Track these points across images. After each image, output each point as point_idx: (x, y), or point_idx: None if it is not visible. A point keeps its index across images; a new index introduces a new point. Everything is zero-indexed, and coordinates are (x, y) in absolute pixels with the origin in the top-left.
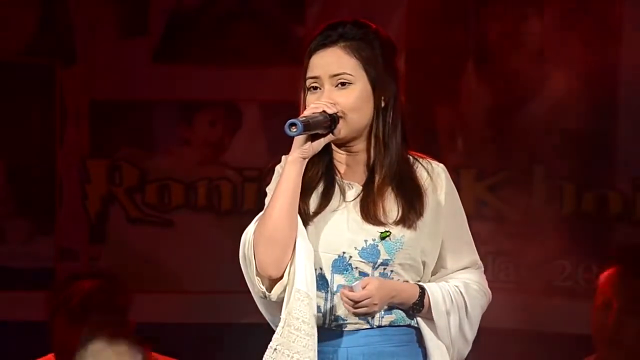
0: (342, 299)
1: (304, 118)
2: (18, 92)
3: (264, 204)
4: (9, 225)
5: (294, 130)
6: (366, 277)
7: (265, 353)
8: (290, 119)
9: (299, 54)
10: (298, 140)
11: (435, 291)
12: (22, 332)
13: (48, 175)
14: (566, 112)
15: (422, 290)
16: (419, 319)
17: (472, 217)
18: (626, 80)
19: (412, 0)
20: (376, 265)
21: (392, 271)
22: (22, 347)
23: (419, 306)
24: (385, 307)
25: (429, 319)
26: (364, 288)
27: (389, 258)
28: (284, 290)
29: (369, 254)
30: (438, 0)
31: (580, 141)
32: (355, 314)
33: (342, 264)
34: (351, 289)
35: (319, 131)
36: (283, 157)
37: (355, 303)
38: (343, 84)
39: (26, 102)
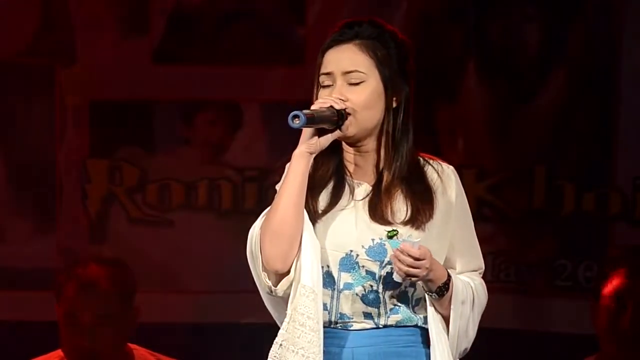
0: (396, 257)
1: (308, 111)
2: (18, 92)
3: (271, 203)
4: (9, 225)
5: (297, 122)
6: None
7: (271, 349)
8: (294, 111)
9: (299, 54)
10: (305, 134)
11: (456, 280)
12: (22, 332)
13: (48, 175)
14: (566, 112)
15: (448, 275)
16: (429, 314)
17: (473, 217)
18: (626, 80)
19: (412, 0)
20: (383, 264)
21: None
22: (22, 347)
23: (444, 289)
24: (392, 305)
25: (440, 311)
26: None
27: None
28: (290, 285)
29: (376, 252)
30: (438, 0)
31: (580, 141)
32: (408, 274)
33: (349, 262)
34: (411, 244)
35: (326, 126)
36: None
37: (415, 260)
38: (355, 81)
39: (26, 102)
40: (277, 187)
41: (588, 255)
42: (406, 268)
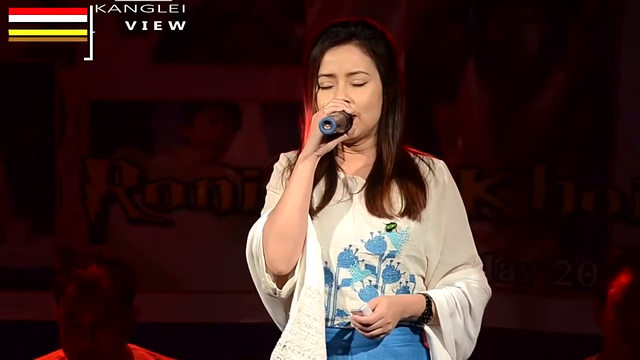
0: (354, 325)
1: (334, 117)
2: (18, 92)
3: (264, 203)
4: (9, 225)
5: (328, 128)
6: (374, 298)
7: (274, 350)
8: (324, 117)
9: (299, 54)
10: (314, 138)
11: (439, 297)
12: (22, 332)
13: (48, 175)
14: (566, 112)
15: (428, 299)
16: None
17: (472, 217)
18: (626, 80)
19: (412, 0)
20: (383, 257)
21: (398, 263)
22: (22, 347)
23: (428, 315)
24: None
25: (435, 324)
26: (373, 310)
27: (395, 250)
28: (294, 286)
29: (376, 246)
30: (438, 0)
31: (579, 141)
32: (370, 337)
33: (348, 257)
34: (360, 313)
35: (339, 130)
36: (282, 155)
37: (368, 326)
38: (359, 82)
39: (26, 102)
40: (268, 187)
41: (588, 255)
42: (368, 334)
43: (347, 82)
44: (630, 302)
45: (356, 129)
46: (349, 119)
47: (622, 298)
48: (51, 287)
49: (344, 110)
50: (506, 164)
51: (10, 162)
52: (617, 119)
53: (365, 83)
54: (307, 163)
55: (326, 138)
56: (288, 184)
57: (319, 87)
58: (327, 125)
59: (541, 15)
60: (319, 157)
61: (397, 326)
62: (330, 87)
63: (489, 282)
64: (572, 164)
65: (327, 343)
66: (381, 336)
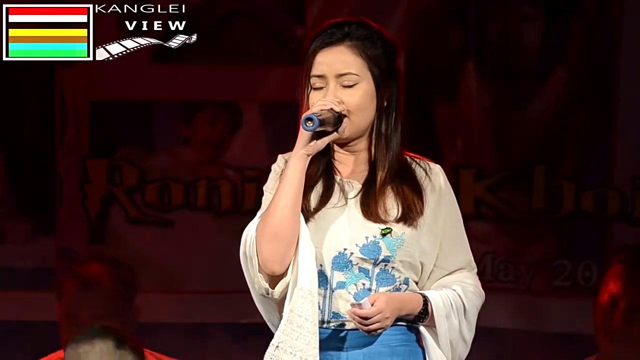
0: (352, 317)
1: (318, 114)
2: (18, 92)
3: (262, 204)
4: (9, 225)
5: (310, 125)
6: (374, 294)
7: (267, 350)
8: (306, 114)
9: (299, 54)
10: (303, 136)
11: (436, 297)
12: (22, 332)
13: (48, 176)
14: (565, 112)
15: (425, 299)
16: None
17: (472, 217)
18: (625, 81)
19: (412, 0)
20: (377, 262)
21: (393, 268)
22: (22, 347)
23: (424, 315)
24: None
25: (431, 325)
26: (372, 304)
27: (390, 255)
28: (286, 287)
29: (370, 250)
30: (438, 0)
31: (579, 141)
32: (368, 332)
33: (342, 261)
34: (360, 306)
35: (327, 128)
36: (279, 156)
37: (367, 320)
38: (349, 83)
39: (26, 102)
40: (265, 188)
41: (587, 255)
42: (366, 327)
43: (338, 84)
44: (611, 300)
45: (346, 129)
46: (338, 117)
47: (606, 297)
48: (51, 287)
49: (332, 109)
50: (506, 164)
51: (10, 162)
52: (617, 119)
53: (355, 84)
54: (296, 162)
55: (316, 136)
56: (279, 184)
57: (311, 88)
58: (309, 122)
59: (541, 15)
60: (309, 157)
61: (393, 325)
62: (322, 88)
63: (489, 282)
64: (572, 164)
65: (322, 343)
66: (378, 331)
